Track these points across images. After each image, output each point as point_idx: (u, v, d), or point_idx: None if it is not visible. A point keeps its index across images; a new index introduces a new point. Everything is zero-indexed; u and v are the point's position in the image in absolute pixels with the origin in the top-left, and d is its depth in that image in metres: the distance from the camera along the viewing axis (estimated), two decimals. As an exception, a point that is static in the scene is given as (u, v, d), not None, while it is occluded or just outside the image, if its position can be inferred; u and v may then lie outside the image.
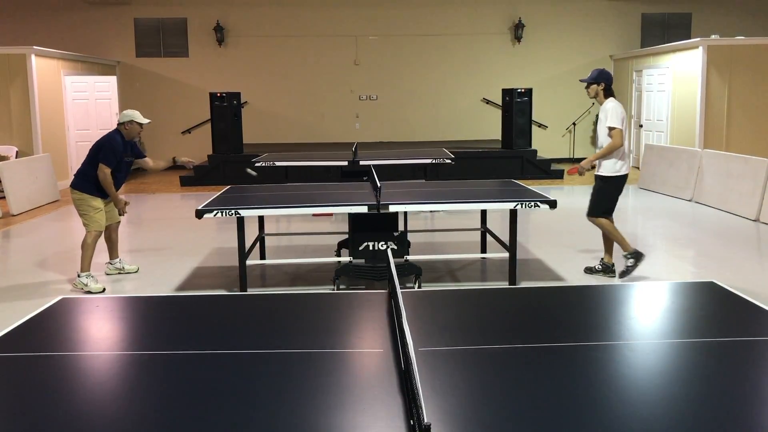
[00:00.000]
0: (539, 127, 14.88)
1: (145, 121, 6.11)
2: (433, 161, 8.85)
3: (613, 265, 6.16)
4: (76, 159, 12.23)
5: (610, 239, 6.13)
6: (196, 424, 1.85)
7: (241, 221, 5.46)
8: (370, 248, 5.58)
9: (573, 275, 6.25)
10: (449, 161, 8.81)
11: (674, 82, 12.79)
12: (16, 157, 11.32)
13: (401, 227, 5.87)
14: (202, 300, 3.28)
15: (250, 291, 5.69)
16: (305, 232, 8.00)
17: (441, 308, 2.87)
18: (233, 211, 5.29)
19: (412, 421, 1.77)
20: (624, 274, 6.02)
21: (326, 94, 15.43)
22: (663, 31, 15.42)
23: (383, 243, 5.57)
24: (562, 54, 15.36)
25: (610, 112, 5.87)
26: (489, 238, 6.77)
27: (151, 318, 2.82)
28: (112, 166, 5.90)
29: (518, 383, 2.08)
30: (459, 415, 1.87)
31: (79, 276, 5.95)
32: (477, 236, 7.20)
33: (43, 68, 12.02)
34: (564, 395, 1.98)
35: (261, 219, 6.96)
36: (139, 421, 1.88)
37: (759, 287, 5.84)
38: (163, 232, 8.62)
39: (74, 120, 12.77)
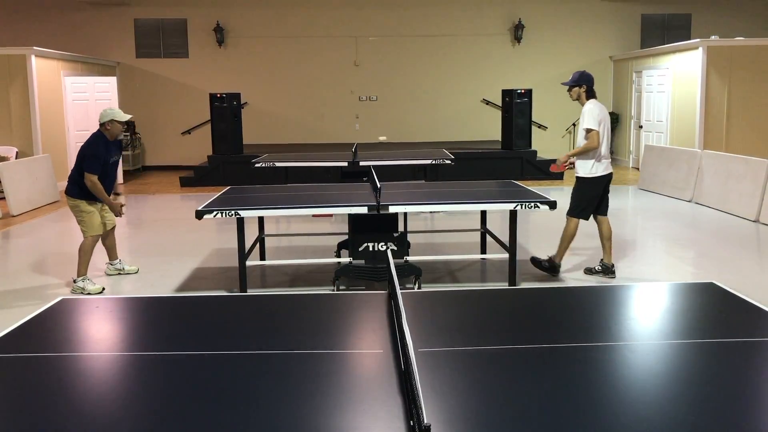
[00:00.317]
0: (539, 127, 14.88)
1: (125, 117, 6.01)
2: (433, 162, 8.86)
3: (612, 266, 6.17)
4: (76, 160, 12.22)
5: (609, 240, 6.15)
6: (196, 425, 1.85)
7: (240, 222, 5.46)
8: (370, 249, 5.58)
9: (573, 276, 6.25)
10: (449, 162, 8.81)
11: (674, 82, 12.79)
12: (16, 158, 11.32)
13: (401, 228, 5.87)
14: (202, 301, 3.27)
15: (250, 292, 5.69)
16: (305, 233, 7.99)
17: (441, 309, 2.87)
18: (233, 212, 5.29)
19: (411, 422, 1.77)
20: (536, 261, 6.27)
21: (326, 95, 15.44)
22: (663, 31, 15.42)
23: (383, 244, 5.57)
24: (562, 55, 15.36)
25: (587, 114, 5.98)
26: (489, 238, 6.77)
27: (151, 319, 2.82)
28: (97, 173, 5.84)
29: (518, 384, 2.08)
30: (459, 416, 1.87)
31: (75, 281, 5.94)
32: (477, 237, 7.20)
33: (43, 69, 12.02)
34: (564, 396, 1.98)
35: (261, 220, 6.96)
36: (139, 421, 1.88)
37: (759, 288, 5.84)
38: (163, 233, 8.62)
39: (74, 121, 12.77)
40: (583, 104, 6.06)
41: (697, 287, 3.15)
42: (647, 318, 2.69)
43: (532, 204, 5.46)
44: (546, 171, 12.72)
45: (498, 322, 2.71)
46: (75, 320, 2.81)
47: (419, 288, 5.58)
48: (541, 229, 8.54)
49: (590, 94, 6.06)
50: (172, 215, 10.06)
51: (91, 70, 13.94)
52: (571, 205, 6.15)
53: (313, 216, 8.89)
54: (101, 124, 5.96)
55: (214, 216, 5.28)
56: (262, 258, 6.86)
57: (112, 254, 6.48)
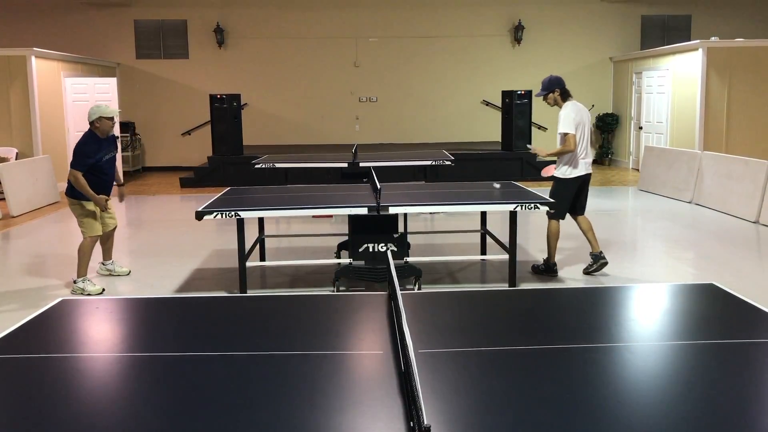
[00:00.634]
0: (539, 129, 14.87)
1: (112, 113, 6.01)
2: (433, 163, 8.86)
3: (600, 252, 6.27)
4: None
5: (590, 232, 6.28)
6: (197, 426, 1.85)
7: (241, 223, 5.46)
8: (370, 250, 5.58)
9: (573, 277, 6.25)
10: (449, 163, 8.82)
11: (674, 83, 12.80)
12: (16, 159, 11.32)
13: (401, 229, 5.87)
14: (202, 301, 3.27)
15: (250, 292, 5.69)
16: (305, 234, 7.99)
17: (441, 310, 2.87)
18: (233, 213, 5.29)
19: (411, 423, 1.77)
20: (534, 267, 6.34)
21: (326, 96, 15.44)
22: (663, 33, 15.43)
23: (383, 244, 5.57)
24: (562, 56, 15.36)
25: (563, 118, 6.12)
26: (489, 239, 6.77)
27: (151, 319, 2.82)
28: (82, 170, 5.83)
29: (518, 385, 2.08)
30: (459, 417, 1.87)
31: (75, 282, 5.94)
32: (477, 238, 7.20)
33: (43, 70, 12.03)
34: (564, 397, 1.98)
35: (261, 220, 6.96)
36: (139, 422, 1.88)
37: (759, 289, 5.84)
38: (163, 234, 8.62)
39: (74, 121, 12.77)
40: (560, 107, 6.18)
41: (697, 288, 3.15)
42: (647, 319, 2.69)
43: (532, 205, 5.47)
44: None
45: (498, 323, 2.71)
46: (75, 321, 2.81)
47: (419, 289, 5.58)
48: (541, 229, 8.52)
49: (565, 96, 6.21)
50: (172, 216, 10.06)
51: (91, 71, 13.94)
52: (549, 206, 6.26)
53: (313, 217, 8.90)
54: (90, 123, 5.97)
55: (214, 217, 5.28)
56: (262, 259, 6.86)
57: (107, 255, 6.49)
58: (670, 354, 2.33)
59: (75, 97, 12.92)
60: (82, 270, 5.94)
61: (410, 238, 6.36)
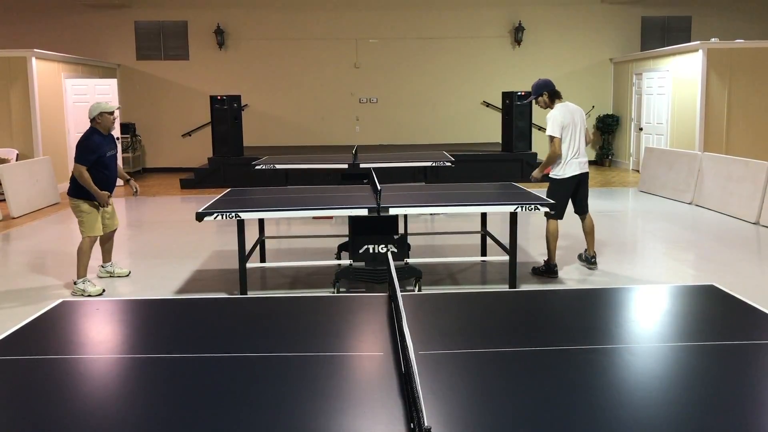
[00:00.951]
0: (539, 130, 14.87)
1: (112, 107, 6.03)
2: (433, 164, 8.86)
3: (593, 257, 6.43)
4: (77, 162, 12.23)
5: (590, 234, 6.37)
6: (197, 427, 1.85)
7: (241, 224, 5.46)
8: (371, 251, 5.58)
9: (573, 278, 6.25)
10: (449, 164, 8.81)
11: (674, 85, 12.80)
12: (17, 160, 11.32)
13: (401, 230, 5.87)
14: (202, 303, 3.27)
15: (250, 294, 5.69)
16: (305, 235, 7.99)
17: (441, 311, 2.87)
18: (233, 214, 5.29)
19: (412, 425, 1.77)
20: (534, 269, 6.36)
21: (326, 97, 15.44)
22: (663, 34, 15.43)
23: (383, 246, 5.57)
24: (562, 57, 15.37)
25: (549, 121, 6.15)
26: (489, 241, 6.77)
27: (152, 321, 2.82)
28: (87, 164, 5.85)
29: (519, 386, 2.08)
30: (459, 419, 1.87)
31: (75, 283, 5.94)
32: (477, 239, 7.20)
33: (44, 71, 12.03)
34: (564, 398, 1.98)
35: (261, 222, 6.96)
36: (140, 424, 1.88)
37: (759, 290, 5.84)
38: (164, 235, 8.62)
39: (75, 123, 12.78)
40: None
41: (698, 290, 3.14)
42: (647, 320, 2.69)
43: (533, 206, 5.47)
44: (546, 174, 12.72)
45: (498, 325, 2.71)
46: (75, 322, 2.81)
47: (419, 290, 5.58)
48: (542, 231, 8.53)
49: (555, 97, 6.24)
50: (173, 217, 10.06)
51: (92, 72, 13.95)
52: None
53: (314, 218, 8.90)
54: (92, 120, 5.99)
55: (215, 218, 5.28)
56: (263, 260, 6.86)
57: (106, 257, 6.48)
58: (670, 355, 2.33)
59: (75, 98, 12.93)
60: (81, 270, 5.94)
61: (410, 240, 6.36)
